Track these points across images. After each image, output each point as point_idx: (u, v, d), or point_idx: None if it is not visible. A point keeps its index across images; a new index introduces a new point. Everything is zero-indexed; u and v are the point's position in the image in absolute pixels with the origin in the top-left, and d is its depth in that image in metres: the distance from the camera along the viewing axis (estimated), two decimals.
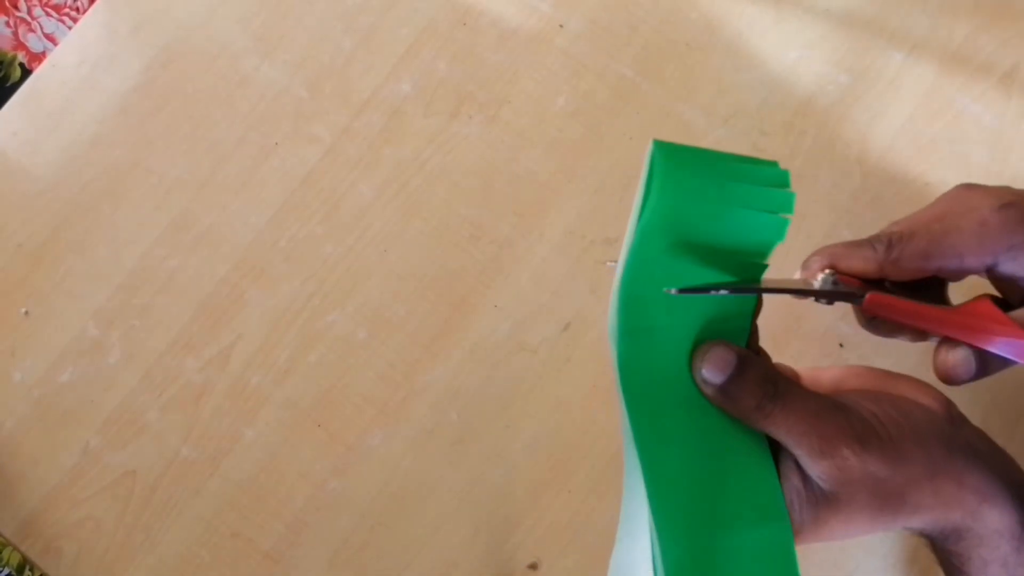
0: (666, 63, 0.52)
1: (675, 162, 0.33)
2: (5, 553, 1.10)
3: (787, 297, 0.45)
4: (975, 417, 0.46)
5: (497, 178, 0.51)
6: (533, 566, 0.46)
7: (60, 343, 0.50)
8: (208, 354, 0.49)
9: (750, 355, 0.34)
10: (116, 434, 0.49)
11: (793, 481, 0.33)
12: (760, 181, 0.34)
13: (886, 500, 0.33)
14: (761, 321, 0.47)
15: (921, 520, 0.34)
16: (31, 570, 1.08)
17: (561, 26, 0.53)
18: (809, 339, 0.48)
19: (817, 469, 0.33)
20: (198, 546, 0.47)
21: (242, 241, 0.51)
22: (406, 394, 0.49)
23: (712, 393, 0.33)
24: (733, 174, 0.34)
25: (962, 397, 0.47)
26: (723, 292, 0.33)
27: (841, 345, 0.48)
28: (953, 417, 0.35)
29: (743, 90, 0.52)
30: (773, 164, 0.36)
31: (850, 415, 0.33)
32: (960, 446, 0.34)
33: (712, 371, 0.33)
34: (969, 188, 0.39)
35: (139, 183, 0.52)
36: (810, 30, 0.53)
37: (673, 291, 0.33)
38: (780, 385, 0.33)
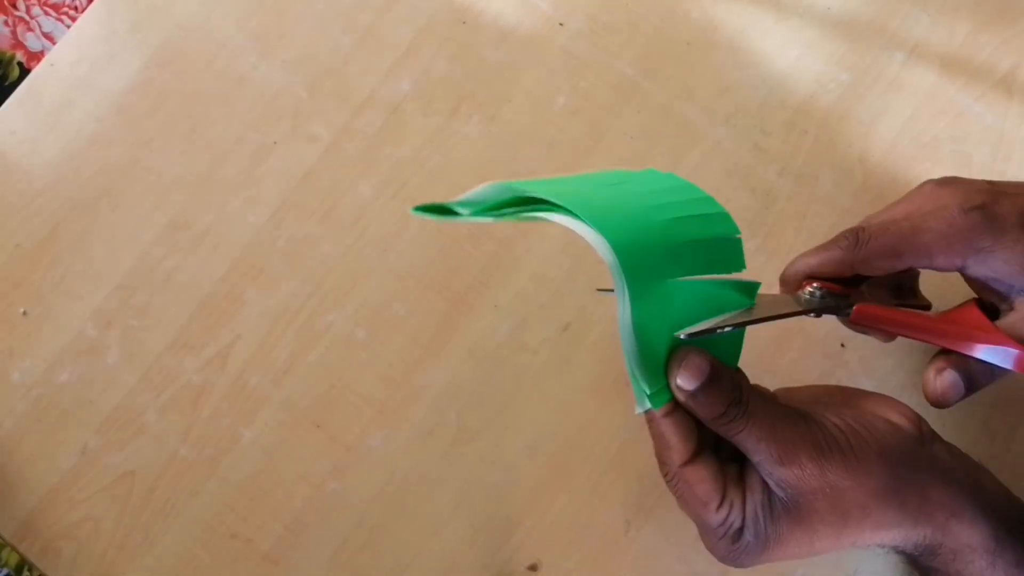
0: (667, 61, 0.52)
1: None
2: (4, 553, 1.10)
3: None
4: (975, 418, 0.46)
5: (497, 177, 0.51)
6: (533, 567, 0.46)
7: (58, 343, 0.50)
8: (207, 354, 0.49)
9: (722, 366, 0.35)
10: (115, 434, 0.49)
11: (757, 496, 0.34)
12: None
13: (848, 512, 0.33)
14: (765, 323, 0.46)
15: (890, 535, 0.34)
16: (30, 570, 1.08)
17: (561, 24, 0.53)
18: (811, 340, 0.47)
19: (776, 476, 0.33)
20: (197, 547, 0.47)
21: (241, 241, 0.51)
22: (405, 394, 0.48)
23: (683, 398, 0.34)
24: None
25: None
26: (728, 329, 0.35)
27: (843, 345, 0.47)
28: (923, 435, 0.36)
29: (744, 88, 0.52)
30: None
31: (811, 425, 0.34)
32: (926, 463, 0.35)
33: (686, 378, 0.34)
34: (942, 184, 0.39)
35: (137, 182, 0.52)
36: (811, 29, 0.52)
37: (683, 334, 0.35)
38: (745, 394, 0.34)
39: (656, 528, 0.46)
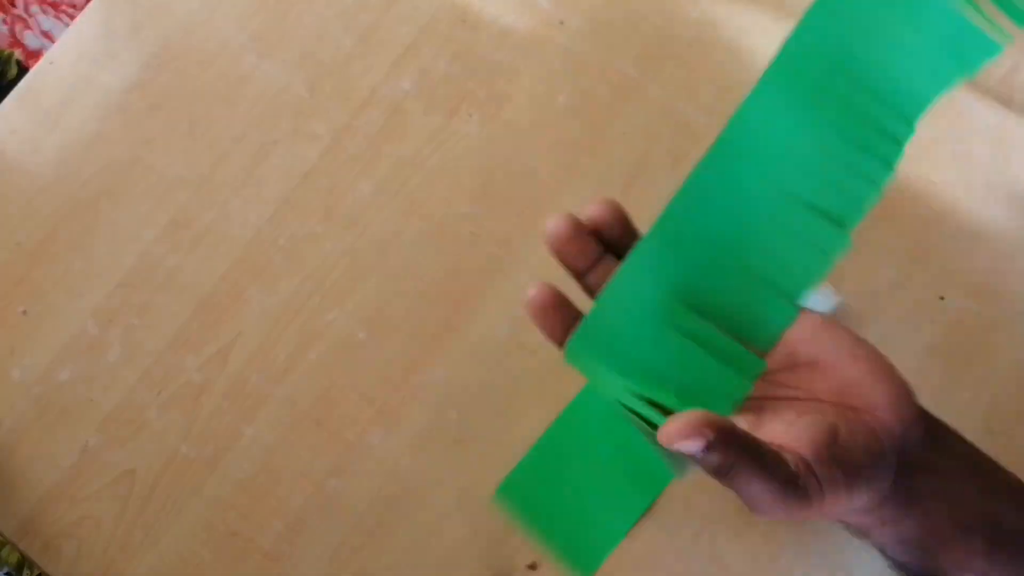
0: (667, 61, 0.52)
1: None
2: (4, 552, 1.10)
3: None
4: (976, 415, 0.46)
5: (497, 176, 0.51)
6: (533, 566, 0.46)
7: (59, 341, 0.50)
8: (207, 352, 0.49)
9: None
10: (115, 433, 0.49)
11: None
12: None
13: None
14: None
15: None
16: (30, 569, 1.08)
17: (561, 23, 0.53)
18: None
19: None
20: (197, 545, 0.47)
21: (242, 239, 0.51)
22: (406, 393, 0.48)
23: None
24: None
25: (962, 398, 0.47)
26: None
27: None
28: (906, 426, 0.31)
29: (745, 88, 0.52)
30: None
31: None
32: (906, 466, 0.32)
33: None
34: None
35: (138, 181, 0.52)
36: None
37: None
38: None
39: (656, 528, 0.46)
